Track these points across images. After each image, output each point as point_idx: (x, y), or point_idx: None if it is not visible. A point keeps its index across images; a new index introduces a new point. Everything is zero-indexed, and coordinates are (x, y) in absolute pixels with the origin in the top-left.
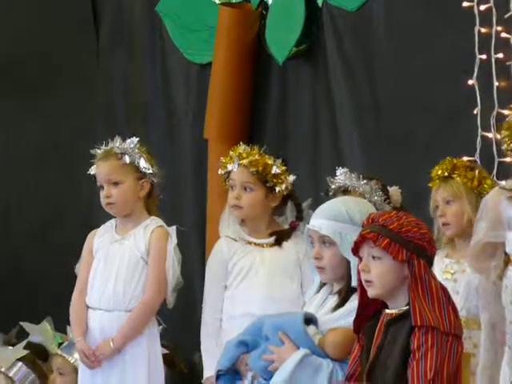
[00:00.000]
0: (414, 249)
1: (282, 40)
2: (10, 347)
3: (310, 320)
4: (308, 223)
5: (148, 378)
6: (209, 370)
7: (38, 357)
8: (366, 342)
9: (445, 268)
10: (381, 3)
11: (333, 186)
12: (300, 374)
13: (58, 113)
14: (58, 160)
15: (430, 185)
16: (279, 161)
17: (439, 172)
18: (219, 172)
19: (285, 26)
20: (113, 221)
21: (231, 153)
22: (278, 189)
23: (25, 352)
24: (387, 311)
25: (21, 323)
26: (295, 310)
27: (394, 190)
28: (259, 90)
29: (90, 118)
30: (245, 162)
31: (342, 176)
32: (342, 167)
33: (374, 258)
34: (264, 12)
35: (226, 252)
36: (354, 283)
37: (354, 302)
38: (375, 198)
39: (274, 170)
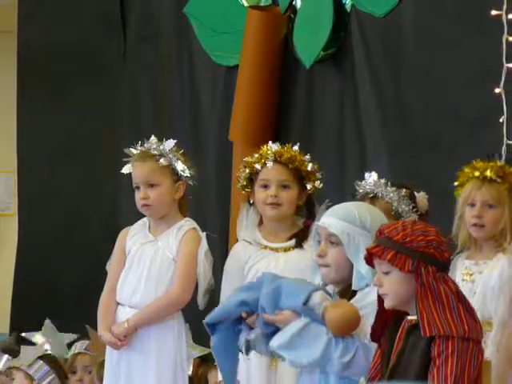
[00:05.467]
0: (420, 257)
1: (309, 44)
2: (32, 346)
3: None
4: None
5: (174, 376)
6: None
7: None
8: (386, 347)
9: (464, 269)
10: (409, 10)
11: (360, 191)
12: (299, 340)
13: (83, 110)
14: (83, 156)
15: (464, 173)
16: (309, 157)
17: (487, 172)
18: (241, 172)
19: (313, 29)
20: (145, 219)
21: (262, 151)
22: (309, 186)
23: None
24: (408, 318)
25: (23, 334)
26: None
27: (421, 196)
28: (285, 93)
29: (116, 117)
30: (283, 159)
31: (370, 181)
32: (368, 171)
33: (384, 272)
34: (292, 16)
35: (242, 256)
36: (355, 287)
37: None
38: (403, 206)
39: (310, 167)
